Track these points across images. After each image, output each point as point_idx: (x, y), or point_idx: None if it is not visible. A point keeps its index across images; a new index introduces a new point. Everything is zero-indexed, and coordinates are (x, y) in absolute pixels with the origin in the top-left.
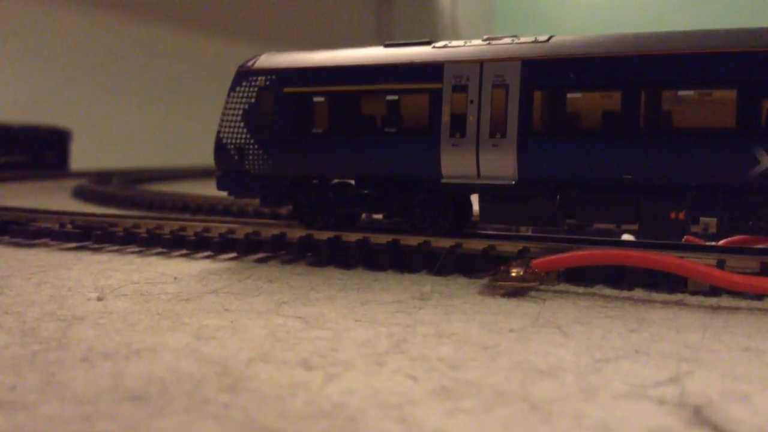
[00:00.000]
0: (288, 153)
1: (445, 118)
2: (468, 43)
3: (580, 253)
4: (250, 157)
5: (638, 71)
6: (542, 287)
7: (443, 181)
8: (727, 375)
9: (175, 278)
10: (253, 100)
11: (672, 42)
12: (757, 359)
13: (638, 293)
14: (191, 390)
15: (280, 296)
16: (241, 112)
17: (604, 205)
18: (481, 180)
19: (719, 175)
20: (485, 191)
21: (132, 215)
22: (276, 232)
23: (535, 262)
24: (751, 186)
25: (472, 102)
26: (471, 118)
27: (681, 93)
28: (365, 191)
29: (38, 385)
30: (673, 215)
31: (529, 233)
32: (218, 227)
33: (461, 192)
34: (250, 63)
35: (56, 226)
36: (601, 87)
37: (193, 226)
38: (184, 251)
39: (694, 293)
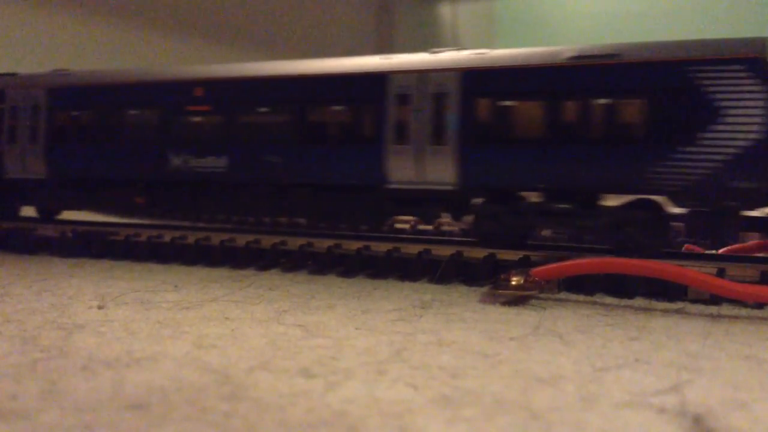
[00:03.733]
0: None
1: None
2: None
3: (581, 261)
4: None
5: (151, 97)
6: (542, 296)
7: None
8: (728, 383)
9: (176, 286)
10: None
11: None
12: (758, 368)
13: (639, 302)
14: (192, 398)
15: (280, 304)
16: None
17: (99, 195)
18: (38, 176)
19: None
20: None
21: (132, 223)
22: (276, 240)
23: (535, 270)
24: (167, 180)
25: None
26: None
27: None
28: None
29: (39, 393)
30: (136, 200)
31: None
32: (219, 235)
33: (29, 186)
34: None
35: (57, 235)
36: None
37: (194, 234)
38: (185, 259)
39: (694, 302)
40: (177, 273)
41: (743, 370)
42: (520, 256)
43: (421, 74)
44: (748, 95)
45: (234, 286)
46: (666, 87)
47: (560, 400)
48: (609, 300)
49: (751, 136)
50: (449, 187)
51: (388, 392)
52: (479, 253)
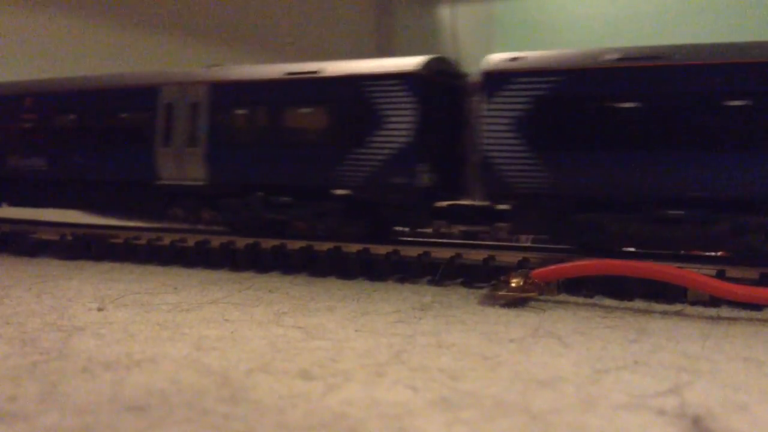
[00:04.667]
0: None
1: None
2: None
3: (581, 263)
4: None
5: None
6: (542, 297)
7: None
8: (727, 385)
9: (175, 288)
10: None
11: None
12: (757, 369)
13: (638, 304)
14: (191, 400)
15: (280, 306)
16: None
17: None
18: None
19: None
20: None
21: (132, 226)
22: (276, 242)
23: (535, 272)
24: (9, 177)
25: None
26: None
27: None
28: None
29: (38, 395)
30: None
31: (529, 243)
32: (218, 238)
33: None
34: None
35: (57, 238)
36: None
37: (194, 236)
38: (184, 261)
39: (693, 303)
40: (176, 275)
41: (742, 371)
42: (520, 258)
43: (182, 87)
44: (403, 105)
45: (233, 288)
46: (347, 98)
47: (560, 402)
48: (608, 302)
49: (405, 140)
50: (201, 183)
51: (388, 394)
52: (479, 255)
